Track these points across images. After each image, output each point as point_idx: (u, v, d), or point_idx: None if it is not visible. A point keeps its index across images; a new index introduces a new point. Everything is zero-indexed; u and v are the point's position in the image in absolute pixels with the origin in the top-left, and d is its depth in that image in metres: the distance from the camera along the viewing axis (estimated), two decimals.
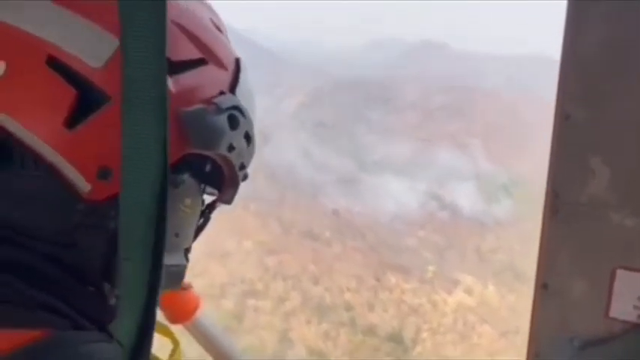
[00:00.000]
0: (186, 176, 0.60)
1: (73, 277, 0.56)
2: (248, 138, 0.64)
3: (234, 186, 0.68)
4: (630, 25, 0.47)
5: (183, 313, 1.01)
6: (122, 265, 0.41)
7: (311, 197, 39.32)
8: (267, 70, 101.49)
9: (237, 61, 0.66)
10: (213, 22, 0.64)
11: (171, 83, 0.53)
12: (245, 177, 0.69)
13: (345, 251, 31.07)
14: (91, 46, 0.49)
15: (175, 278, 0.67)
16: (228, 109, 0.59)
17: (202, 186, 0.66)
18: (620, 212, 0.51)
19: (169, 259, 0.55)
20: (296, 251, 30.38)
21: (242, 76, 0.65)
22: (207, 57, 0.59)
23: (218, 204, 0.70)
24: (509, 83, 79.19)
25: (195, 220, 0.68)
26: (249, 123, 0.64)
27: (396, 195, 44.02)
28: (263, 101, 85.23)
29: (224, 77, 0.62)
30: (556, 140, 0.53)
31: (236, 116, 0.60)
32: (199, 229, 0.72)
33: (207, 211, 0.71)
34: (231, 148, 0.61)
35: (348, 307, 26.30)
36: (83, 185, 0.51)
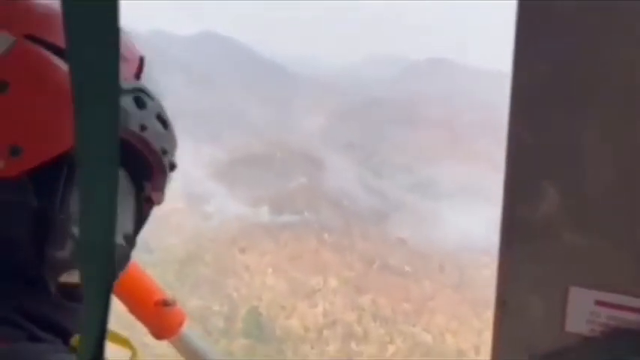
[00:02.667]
0: None
1: (15, 277, 0.55)
2: (162, 121, 0.65)
3: (163, 173, 0.67)
4: (578, 51, 0.50)
5: (168, 329, 0.99)
6: (84, 281, 0.39)
7: (374, 225, 37.66)
8: (277, 85, 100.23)
9: (142, 59, 0.67)
10: None
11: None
12: (172, 166, 0.69)
13: (433, 287, 29.42)
14: None
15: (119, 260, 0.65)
16: (131, 90, 0.60)
17: (129, 175, 0.65)
18: (570, 232, 0.53)
19: None
20: (385, 289, 28.69)
21: (146, 70, 0.66)
22: None
23: (153, 194, 0.69)
24: None
25: (127, 207, 0.65)
26: (159, 106, 0.65)
27: (456, 221, 42.48)
28: (280, 117, 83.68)
29: (126, 68, 0.63)
30: (509, 163, 0.54)
31: (142, 97, 0.62)
32: (140, 222, 0.69)
33: (144, 202, 0.68)
34: (143, 127, 0.62)
35: (459, 353, 24.64)
36: None
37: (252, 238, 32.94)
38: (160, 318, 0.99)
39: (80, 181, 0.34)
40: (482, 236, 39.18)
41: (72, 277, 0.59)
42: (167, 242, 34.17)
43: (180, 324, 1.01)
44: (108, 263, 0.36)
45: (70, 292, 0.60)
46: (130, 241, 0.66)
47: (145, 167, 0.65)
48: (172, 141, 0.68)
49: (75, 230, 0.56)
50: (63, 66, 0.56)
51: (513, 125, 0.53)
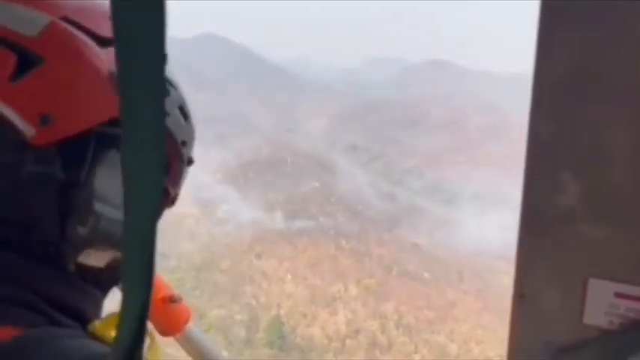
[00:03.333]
0: None
1: (33, 255, 0.55)
2: (183, 113, 0.65)
3: (181, 165, 0.66)
4: (600, 44, 0.51)
5: (174, 325, 1.01)
6: (124, 266, 0.38)
7: (388, 230, 37.20)
8: (277, 87, 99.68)
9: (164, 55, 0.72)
10: None
11: (102, 52, 0.59)
12: (190, 161, 0.68)
13: (454, 294, 29.00)
14: (27, 23, 0.57)
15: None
16: None
17: None
18: (589, 224, 0.53)
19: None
20: (406, 296, 28.23)
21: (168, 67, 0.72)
22: None
23: (170, 188, 0.66)
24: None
25: None
26: (182, 98, 0.65)
27: (469, 225, 42.10)
28: (283, 120, 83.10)
29: None
30: (529, 156, 0.55)
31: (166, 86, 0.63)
32: None
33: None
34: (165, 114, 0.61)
35: None
36: (28, 130, 0.54)
37: (268, 244, 32.38)
38: (165, 315, 0.98)
39: (124, 162, 0.34)
40: (496, 241, 38.81)
41: (87, 258, 0.58)
42: (181, 248, 33.52)
43: (186, 321, 1.00)
44: (151, 247, 0.36)
45: (84, 274, 0.59)
46: None
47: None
48: (192, 134, 0.66)
49: (98, 207, 0.56)
50: (95, 47, 0.59)
51: (534, 116, 0.53)
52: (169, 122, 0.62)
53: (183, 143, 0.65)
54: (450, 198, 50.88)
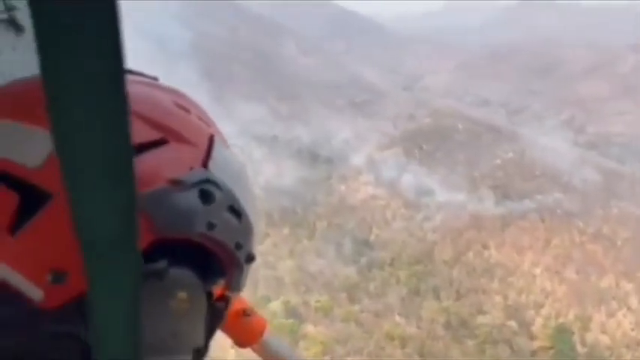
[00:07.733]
0: (164, 265, 0.51)
1: None
2: (236, 213, 0.58)
3: (238, 269, 0.61)
4: None
5: (251, 337, 1.07)
6: None
7: (605, 203, 32.04)
8: (372, 42, 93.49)
9: (211, 138, 0.61)
10: (177, 104, 0.60)
11: None
12: (250, 258, 0.62)
13: None
14: (25, 147, 0.47)
15: None
16: (197, 183, 0.54)
17: (201, 276, 0.58)
18: None
19: None
20: None
21: (217, 150, 0.60)
22: (167, 136, 0.55)
23: (229, 294, 0.63)
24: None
25: (199, 316, 0.59)
26: (232, 197, 0.58)
27: None
28: (398, 79, 77.47)
29: (192, 153, 0.56)
30: None
31: (209, 190, 0.55)
32: (212, 325, 0.62)
33: (217, 304, 0.63)
34: (210, 225, 0.54)
35: None
36: (35, 293, 0.45)
37: (490, 230, 28.49)
38: (240, 327, 1.01)
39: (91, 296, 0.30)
40: None
41: None
42: (382, 236, 30.51)
43: (262, 332, 1.03)
44: None
45: None
46: (202, 353, 0.60)
47: (218, 264, 0.59)
48: (248, 232, 0.61)
49: None
50: None
51: None
52: (217, 231, 0.54)
53: (238, 246, 0.58)
54: (634, 155, 44.21)
